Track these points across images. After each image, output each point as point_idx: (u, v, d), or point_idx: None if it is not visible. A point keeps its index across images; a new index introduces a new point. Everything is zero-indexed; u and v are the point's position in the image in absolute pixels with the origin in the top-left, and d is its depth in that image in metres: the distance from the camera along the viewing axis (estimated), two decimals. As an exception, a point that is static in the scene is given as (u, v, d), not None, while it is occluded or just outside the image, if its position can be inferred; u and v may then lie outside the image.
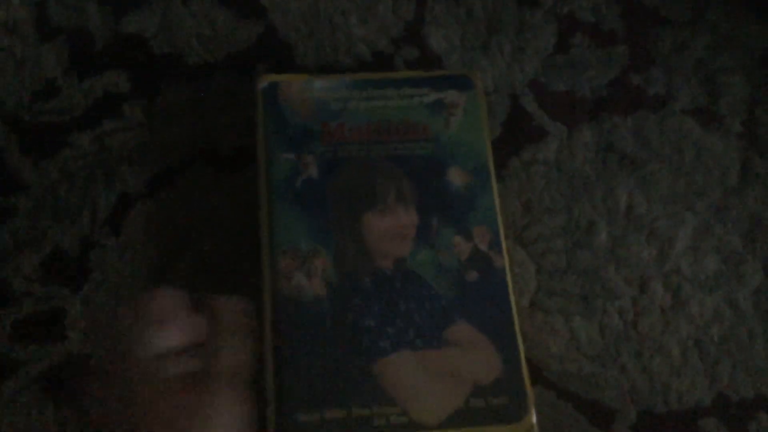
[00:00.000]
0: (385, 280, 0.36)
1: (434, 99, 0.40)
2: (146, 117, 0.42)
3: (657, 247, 0.40)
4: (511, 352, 0.35)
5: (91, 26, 0.44)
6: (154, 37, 0.44)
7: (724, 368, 0.38)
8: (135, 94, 0.42)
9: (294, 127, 0.39)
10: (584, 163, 0.42)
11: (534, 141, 0.42)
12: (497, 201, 0.38)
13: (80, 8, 0.44)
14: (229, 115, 0.42)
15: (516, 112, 0.43)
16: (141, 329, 0.29)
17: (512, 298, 0.36)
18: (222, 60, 0.43)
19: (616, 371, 0.38)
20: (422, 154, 0.39)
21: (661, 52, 0.44)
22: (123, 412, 0.28)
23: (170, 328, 0.29)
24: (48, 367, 0.37)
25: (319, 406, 0.34)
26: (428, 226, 0.37)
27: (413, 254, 0.37)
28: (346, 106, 0.40)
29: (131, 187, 0.40)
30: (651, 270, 0.40)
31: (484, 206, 0.38)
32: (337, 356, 0.35)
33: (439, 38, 0.44)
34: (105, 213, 0.40)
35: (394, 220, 0.37)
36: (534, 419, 0.34)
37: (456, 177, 0.38)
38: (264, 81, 0.40)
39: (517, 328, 0.36)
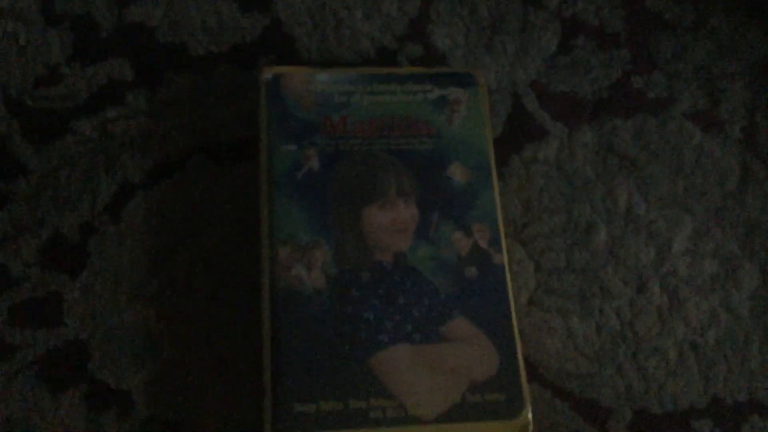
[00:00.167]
0: (384, 274, 0.36)
1: (437, 96, 0.40)
2: (149, 106, 0.42)
3: (655, 248, 0.40)
4: (508, 349, 0.35)
5: (95, 14, 0.44)
6: (158, 27, 0.44)
7: (719, 371, 0.38)
8: (138, 82, 0.42)
9: (296, 120, 0.39)
10: (584, 163, 0.42)
11: (535, 140, 0.42)
12: (498, 198, 0.38)
13: (85, -4, 0.44)
14: (231, 106, 0.42)
15: (517, 112, 0.43)
16: None
17: (511, 295, 0.36)
18: (226, 51, 0.43)
19: (613, 371, 0.38)
20: (424, 149, 0.39)
21: (662, 56, 0.44)
22: None
23: None
24: (44, 353, 0.37)
25: (315, 398, 0.34)
26: (428, 221, 0.37)
27: (413, 249, 0.37)
28: (349, 100, 0.40)
29: (132, 175, 0.40)
30: (649, 271, 0.40)
31: (485, 203, 0.38)
32: (335, 348, 0.35)
33: (443, 36, 0.44)
34: (105, 200, 0.40)
35: (395, 214, 0.37)
36: (530, 416, 0.34)
37: (457, 173, 0.38)
38: (267, 73, 0.40)
39: (515, 325, 0.36)
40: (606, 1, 0.45)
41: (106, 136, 0.41)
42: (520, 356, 0.35)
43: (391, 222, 0.37)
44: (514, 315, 0.36)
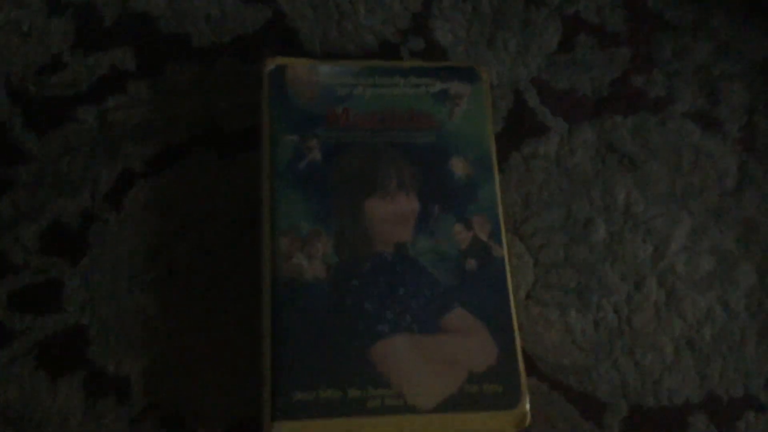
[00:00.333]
0: (384, 265, 0.37)
1: (440, 89, 0.40)
2: (151, 95, 0.42)
3: (653, 245, 0.41)
4: (507, 341, 0.35)
5: (99, 3, 0.44)
6: (161, 17, 0.44)
7: (714, 367, 0.39)
8: (140, 72, 0.42)
9: (299, 111, 0.39)
10: (584, 160, 0.42)
11: (535, 136, 0.42)
12: (498, 192, 0.38)
13: (89, -15, 0.44)
14: (233, 97, 0.42)
15: (518, 107, 0.43)
16: None
17: (510, 287, 0.36)
18: (229, 43, 0.43)
19: (609, 365, 0.38)
20: (426, 142, 0.39)
21: (662, 56, 0.45)
22: None
23: None
24: (44, 338, 0.37)
25: (314, 386, 0.34)
26: (429, 213, 0.38)
27: (413, 240, 0.37)
28: (351, 92, 0.40)
29: (134, 163, 0.40)
30: (646, 268, 0.40)
31: (485, 197, 0.38)
32: (335, 338, 0.35)
33: (446, 31, 0.44)
34: (106, 188, 0.40)
35: (396, 206, 0.38)
36: (527, 407, 0.34)
37: (458, 166, 0.39)
38: (271, 64, 0.40)
39: (514, 317, 0.36)
40: (607, 0, 0.46)
41: (107, 124, 0.41)
42: (518, 348, 0.35)
43: (392, 214, 0.37)
44: (513, 307, 0.36)
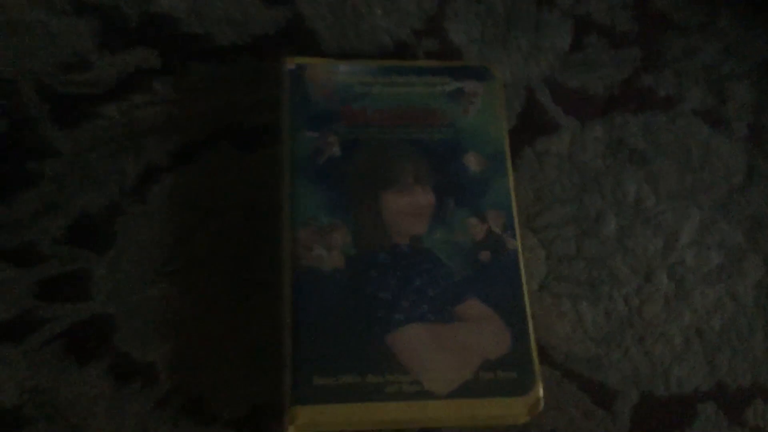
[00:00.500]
0: (401, 256, 0.38)
1: (455, 88, 0.42)
2: (174, 93, 0.43)
3: (663, 239, 0.42)
4: (520, 329, 0.37)
5: (123, 5, 0.45)
6: (184, 18, 0.45)
7: (723, 357, 0.39)
8: (164, 71, 0.44)
9: (318, 108, 0.40)
10: (595, 156, 0.43)
11: (547, 133, 0.44)
12: (512, 186, 0.39)
13: (115, -13, 0.46)
14: (253, 95, 0.43)
15: (531, 105, 0.44)
16: None
17: (523, 278, 0.37)
18: (249, 43, 0.45)
19: (620, 355, 0.39)
20: (441, 138, 0.40)
21: (672, 56, 0.46)
22: None
23: None
24: (71, 326, 0.38)
25: (334, 372, 0.35)
26: (444, 206, 0.39)
27: (429, 233, 0.38)
28: (369, 90, 0.41)
29: (158, 158, 0.42)
30: (656, 261, 0.41)
31: (499, 191, 0.39)
32: (353, 326, 0.36)
33: (460, 32, 0.46)
34: (131, 182, 0.41)
35: (412, 199, 0.39)
36: (541, 393, 0.35)
37: (472, 162, 0.40)
38: (291, 63, 0.41)
39: (527, 306, 0.37)
40: (618, 1, 0.47)
41: (132, 121, 0.43)
42: (531, 336, 0.36)
43: (409, 207, 0.39)
44: (526, 297, 0.37)
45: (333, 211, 0.38)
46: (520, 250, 0.38)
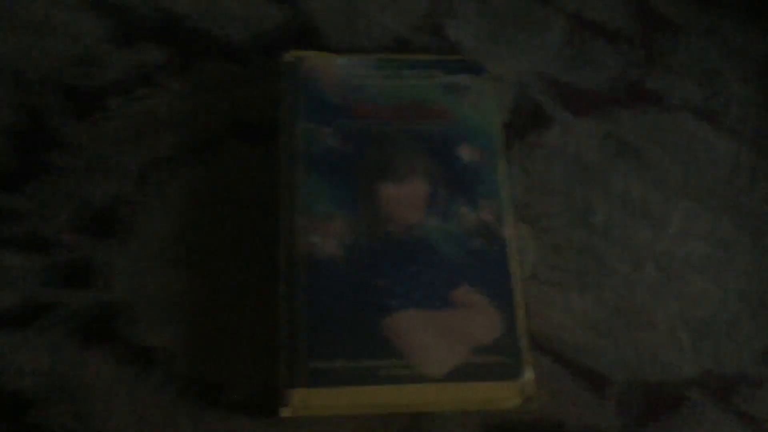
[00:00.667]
0: (396, 244, 0.39)
1: (449, 81, 0.43)
2: (180, 88, 0.45)
3: (651, 229, 0.43)
4: (511, 315, 0.38)
5: (135, 2, 0.47)
6: (191, 15, 0.46)
7: (709, 344, 0.41)
8: (171, 66, 0.45)
9: (317, 101, 0.42)
10: (586, 149, 0.44)
11: (540, 127, 0.45)
12: (504, 177, 0.41)
13: (122, -15, 0.47)
14: (256, 89, 0.45)
15: (524, 99, 0.45)
16: None
17: (515, 265, 0.39)
18: (253, 39, 0.46)
19: (609, 342, 0.40)
20: (436, 131, 0.41)
21: (663, 52, 0.47)
22: None
23: None
24: (77, 312, 0.40)
25: (329, 356, 0.36)
26: (439, 196, 0.40)
27: (424, 222, 0.39)
28: (366, 83, 0.42)
29: (163, 150, 0.43)
30: (644, 250, 0.42)
31: (492, 181, 0.41)
32: (348, 311, 0.37)
33: (456, 28, 0.47)
34: (138, 173, 0.43)
35: (407, 189, 0.40)
36: (531, 377, 0.37)
37: (466, 153, 0.41)
38: (291, 57, 0.43)
39: (518, 293, 0.38)
40: (610, -2, 0.48)
41: (140, 114, 0.44)
42: (522, 322, 0.38)
43: (404, 197, 0.40)
44: (517, 283, 0.38)
45: (331, 201, 0.40)
46: (511, 238, 0.39)
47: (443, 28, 0.47)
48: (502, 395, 0.37)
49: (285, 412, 0.36)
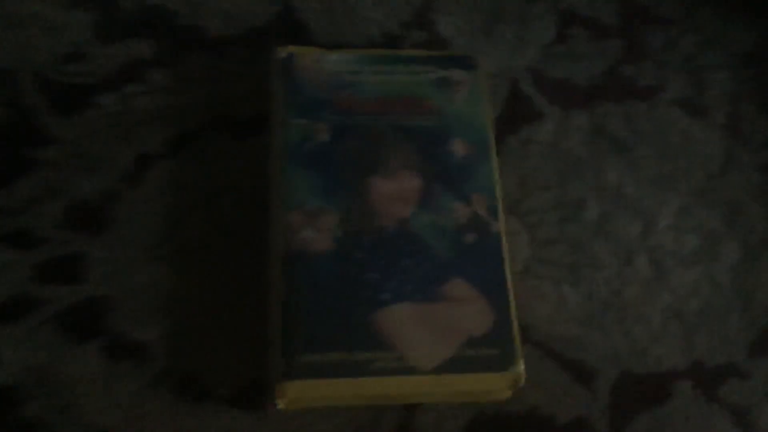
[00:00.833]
0: (387, 239, 0.39)
1: (440, 76, 0.43)
2: (168, 83, 0.44)
3: (642, 223, 0.43)
4: (502, 308, 0.38)
5: (119, -3, 0.47)
6: (178, 10, 0.46)
7: (700, 337, 0.41)
8: (158, 61, 0.45)
9: (307, 96, 0.42)
10: (577, 144, 0.45)
11: (531, 122, 0.45)
12: (496, 171, 0.41)
13: (110, -20, 0.47)
14: (244, 84, 0.45)
15: (515, 95, 0.45)
16: None
17: (507, 259, 0.39)
18: (241, 34, 0.46)
19: (600, 335, 0.40)
20: (427, 125, 0.41)
21: (652, 47, 0.47)
22: None
23: None
24: (67, 307, 0.39)
25: (321, 349, 0.36)
26: (430, 191, 0.40)
27: (415, 216, 0.39)
28: (357, 79, 0.42)
29: (151, 146, 0.43)
30: (635, 244, 0.42)
31: (484, 176, 0.41)
32: (340, 305, 0.37)
33: (446, 24, 0.47)
34: (125, 169, 0.42)
35: (398, 184, 0.40)
36: (522, 369, 0.36)
37: (458, 148, 0.41)
38: (281, 52, 0.42)
39: (509, 286, 0.38)
40: (599, -6, 0.48)
41: (127, 109, 0.44)
42: (513, 315, 0.38)
43: (395, 191, 0.40)
44: (508, 277, 0.38)
45: (322, 195, 0.39)
46: (503, 232, 0.39)
47: (434, 23, 0.47)
48: (492, 387, 0.37)
49: (279, 405, 0.36)
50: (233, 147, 0.43)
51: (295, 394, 0.35)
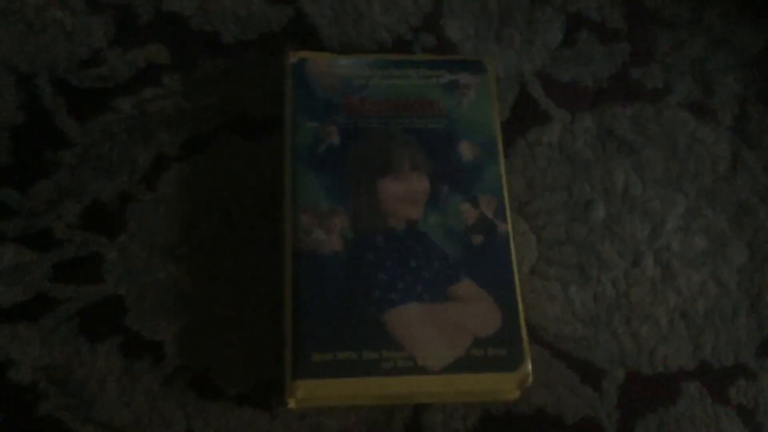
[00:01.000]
0: (397, 239, 0.40)
1: (449, 80, 0.43)
2: (183, 87, 0.45)
3: (649, 225, 0.43)
4: (510, 309, 0.38)
5: (135, 4, 0.47)
6: (193, 16, 0.47)
7: (707, 338, 0.41)
8: (174, 66, 0.46)
9: (319, 99, 0.42)
10: (585, 146, 0.45)
11: (539, 125, 0.45)
12: (503, 173, 0.41)
13: (127, -13, 0.48)
14: (258, 88, 0.46)
15: (523, 98, 0.46)
16: None
17: (514, 260, 0.39)
18: (254, 39, 0.47)
19: (608, 335, 0.41)
20: (436, 128, 0.42)
21: (660, 50, 0.48)
22: None
23: None
24: (84, 306, 0.40)
25: (332, 348, 0.37)
26: (439, 192, 0.41)
27: (424, 217, 0.40)
28: (367, 82, 0.43)
29: (167, 148, 0.44)
30: (643, 246, 0.43)
31: (491, 177, 0.41)
32: (351, 305, 0.38)
33: (455, 28, 0.48)
34: (142, 171, 0.43)
35: (408, 185, 0.41)
36: (529, 369, 0.37)
37: (466, 150, 0.42)
38: (294, 57, 0.43)
39: (517, 287, 0.39)
40: (608, -2, 0.49)
41: (143, 113, 0.45)
42: (521, 315, 0.38)
43: (405, 192, 0.41)
44: (516, 278, 0.39)
45: (332, 197, 0.40)
46: (510, 233, 0.40)
47: (443, 28, 0.48)
48: (501, 387, 0.37)
49: (289, 404, 0.37)
50: (247, 149, 0.44)
51: (305, 393, 0.36)
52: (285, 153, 0.41)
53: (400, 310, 0.38)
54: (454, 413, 0.39)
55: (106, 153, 0.44)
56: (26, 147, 0.43)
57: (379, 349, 0.37)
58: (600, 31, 0.48)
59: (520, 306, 0.38)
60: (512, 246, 0.40)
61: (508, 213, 0.40)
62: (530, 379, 0.37)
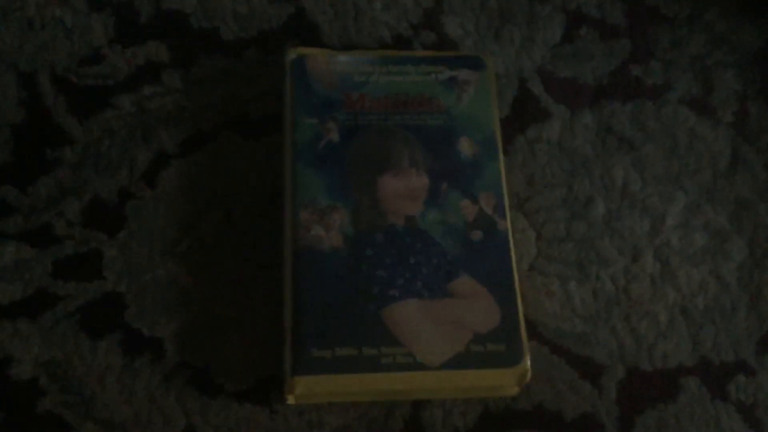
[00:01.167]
0: (396, 236, 0.40)
1: (449, 76, 0.43)
2: (183, 84, 0.45)
3: (649, 221, 0.43)
4: (509, 305, 0.38)
5: (135, 1, 0.48)
6: (193, 14, 0.47)
7: (707, 334, 0.41)
8: (174, 63, 0.46)
9: (319, 96, 0.42)
10: (585, 143, 0.45)
11: (539, 121, 0.45)
12: (503, 170, 0.41)
13: (127, -15, 0.48)
14: (258, 86, 0.46)
15: (523, 95, 0.46)
16: None
17: (513, 256, 0.39)
18: (254, 36, 0.47)
19: (607, 331, 0.41)
20: (435, 124, 0.42)
21: (660, 47, 0.48)
22: None
23: None
24: (84, 303, 0.40)
25: (331, 345, 0.37)
26: (438, 189, 0.41)
27: (423, 214, 0.40)
28: (367, 79, 0.43)
29: (167, 146, 0.44)
30: (643, 242, 0.43)
31: (491, 174, 0.41)
32: (350, 301, 0.38)
33: (455, 25, 0.48)
34: (142, 168, 0.43)
35: (407, 182, 0.41)
36: (528, 365, 0.37)
37: (465, 146, 0.42)
38: (293, 54, 0.43)
39: (516, 283, 0.39)
40: (607, -5, 0.49)
41: (143, 111, 0.45)
42: (520, 311, 0.38)
43: (404, 189, 0.41)
44: (515, 274, 0.39)
45: (332, 194, 0.40)
46: (510, 230, 0.40)
47: (443, 25, 0.48)
48: (500, 383, 0.37)
49: (288, 400, 0.37)
50: (247, 147, 0.44)
51: (305, 389, 0.36)
52: (285, 150, 0.41)
53: (400, 306, 0.38)
54: (453, 409, 0.39)
55: (106, 150, 0.44)
56: (26, 144, 0.43)
57: (378, 345, 0.37)
58: (600, 28, 0.48)
59: (519, 302, 0.38)
60: (511, 242, 0.40)
61: (507, 210, 0.40)
62: (529, 375, 0.37)
